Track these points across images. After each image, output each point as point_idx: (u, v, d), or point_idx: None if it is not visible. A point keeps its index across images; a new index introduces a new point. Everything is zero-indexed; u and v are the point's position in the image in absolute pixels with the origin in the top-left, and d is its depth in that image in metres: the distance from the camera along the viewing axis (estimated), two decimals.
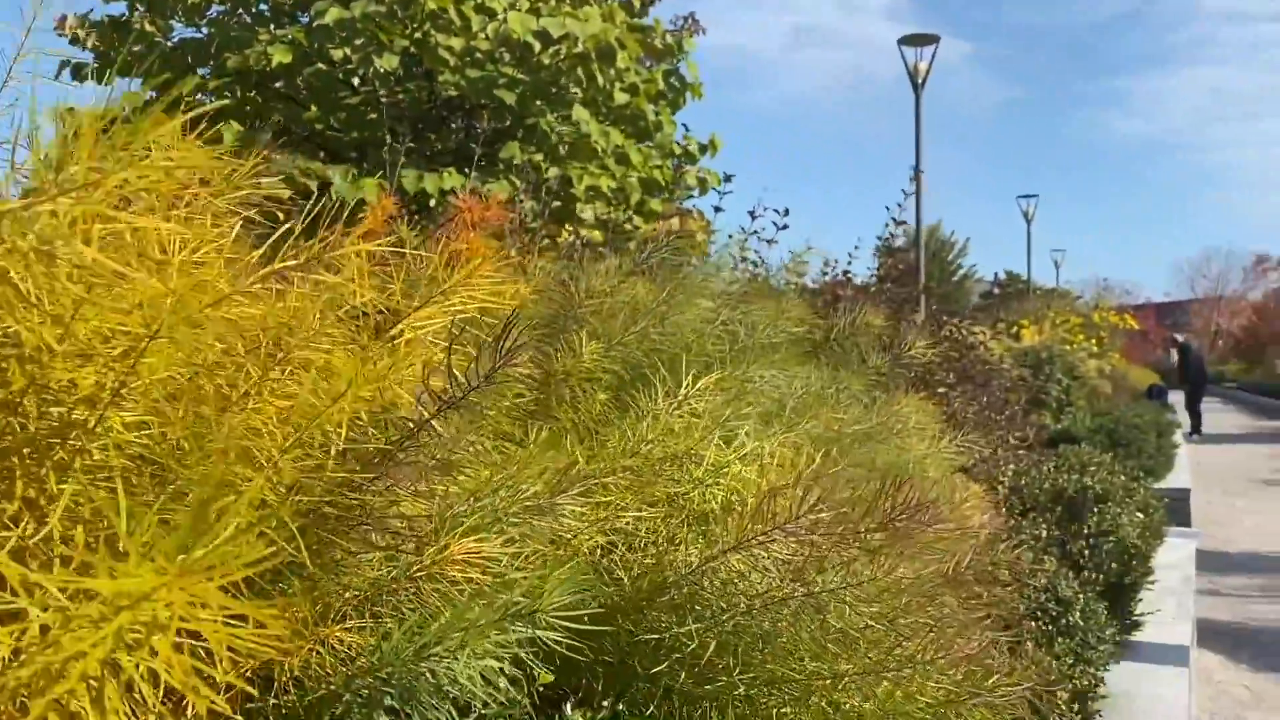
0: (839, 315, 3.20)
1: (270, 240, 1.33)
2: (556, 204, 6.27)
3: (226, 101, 6.48)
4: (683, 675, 1.42)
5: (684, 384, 2.06)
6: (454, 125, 7.21)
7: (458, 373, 1.19)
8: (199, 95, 7.02)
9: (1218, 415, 27.52)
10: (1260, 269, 61.40)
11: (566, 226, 6.92)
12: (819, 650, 1.40)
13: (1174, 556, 7.03)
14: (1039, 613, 3.58)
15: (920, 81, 17.64)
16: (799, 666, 1.43)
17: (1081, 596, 3.69)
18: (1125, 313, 29.48)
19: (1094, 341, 23.35)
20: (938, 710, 1.40)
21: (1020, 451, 7.17)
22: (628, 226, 6.94)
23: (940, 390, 4.45)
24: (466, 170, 5.98)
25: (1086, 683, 3.60)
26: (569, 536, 1.50)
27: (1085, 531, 4.58)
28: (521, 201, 6.10)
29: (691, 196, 7.66)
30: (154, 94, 7.05)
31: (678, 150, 7.54)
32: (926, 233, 51.03)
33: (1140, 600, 5.36)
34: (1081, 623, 3.51)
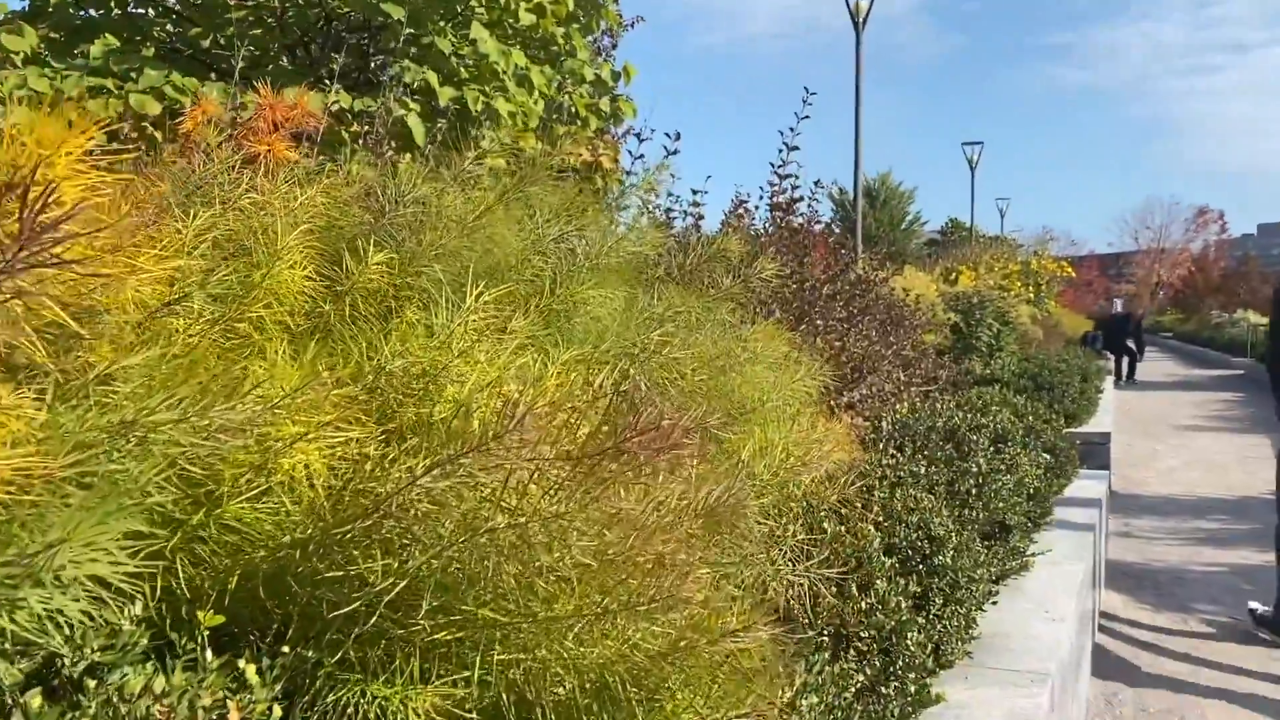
0: (696, 241, 3.00)
1: None
2: (444, 126, 5.98)
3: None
4: (376, 619, 1.23)
5: (470, 300, 1.85)
6: (352, 44, 6.87)
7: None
8: (76, 10, 6.60)
9: (1151, 364, 27.94)
10: (1200, 221, 62.25)
11: (466, 153, 6.62)
12: (528, 591, 1.22)
13: (1080, 497, 7.00)
14: (910, 551, 3.45)
15: (861, 20, 17.39)
16: (512, 609, 1.24)
17: (956, 535, 3.57)
18: (1065, 262, 29.64)
19: (1030, 288, 23.48)
20: (667, 658, 1.23)
21: (930, 391, 7.08)
22: (531, 153, 6.66)
23: (820, 323, 4.27)
24: (347, 89, 5.66)
25: (957, 624, 3.50)
26: (263, 461, 1.29)
27: (975, 470, 4.47)
28: (386, 113, 5.79)
29: (603, 126, 7.39)
30: (23, 6, 6.62)
31: (589, 76, 7.25)
32: (878, 180, 50.86)
33: (1034, 541, 5.29)
34: (951, 562, 3.39)
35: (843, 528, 2.76)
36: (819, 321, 4.19)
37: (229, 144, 2.56)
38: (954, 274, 21.51)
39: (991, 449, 5.08)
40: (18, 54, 5.42)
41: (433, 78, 5.87)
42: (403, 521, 1.18)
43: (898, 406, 4.87)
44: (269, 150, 2.47)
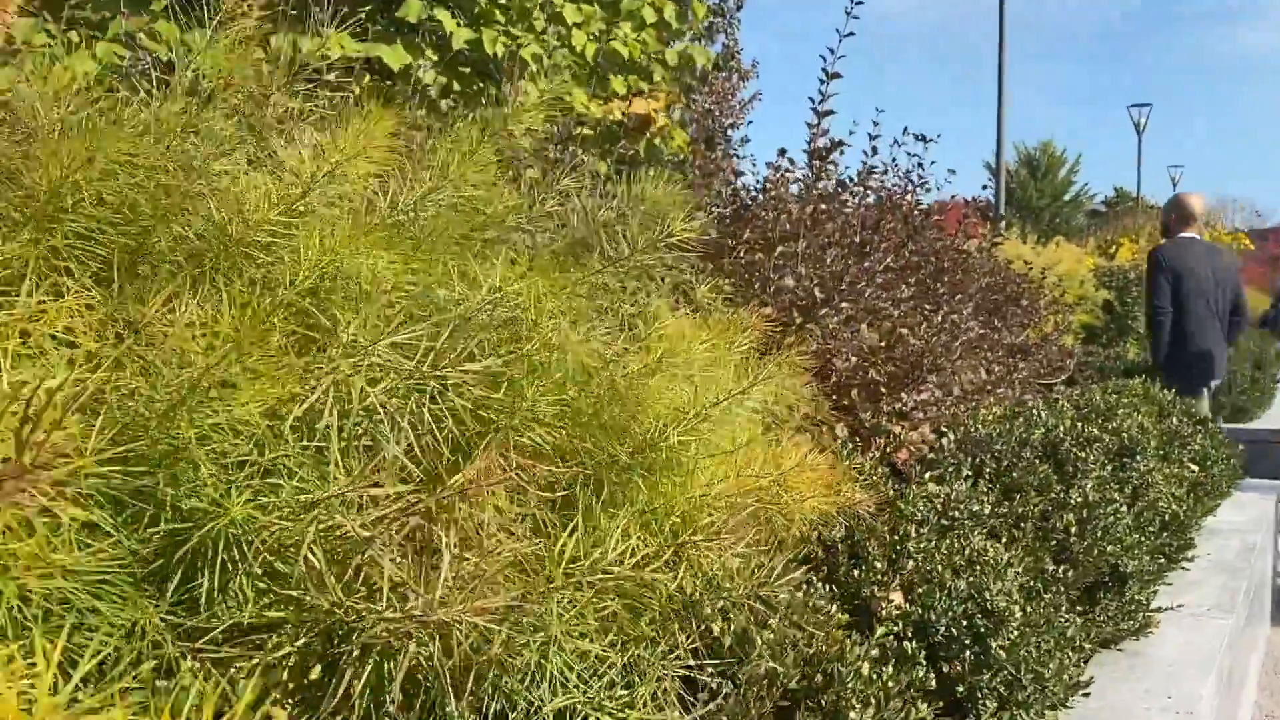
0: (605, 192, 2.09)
1: None
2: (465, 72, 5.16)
3: None
4: None
5: None
6: None
7: None
8: None
9: None
10: None
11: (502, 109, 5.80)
12: None
13: (1240, 518, 5.71)
14: (953, 631, 2.45)
15: None
16: None
17: (1026, 606, 2.54)
18: (1242, 233, 26.84)
19: None
20: None
21: (1054, 385, 5.92)
22: (578, 109, 5.78)
23: (847, 305, 3.22)
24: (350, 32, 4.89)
25: None
26: None
27: (1078, 501, 3.38)
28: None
29: (671, 76, 6.42)
30: None
31: (650, 19, 6.29)
32: (1039, 149, 48.43)
33: (1168, 583, 4.15)
34: (1008, 652, 2.37)
35: (792, 623, 1.79)
36: (844, 305, 3.14)
37: None
38: (1112, 247, 19.58)
39: (1110, 467, 3.96)
40: None
41: (445, 17, 5.05)
42: None
43: (983, 411, 3.81)
44: None
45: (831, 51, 3.81)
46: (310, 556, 1.19)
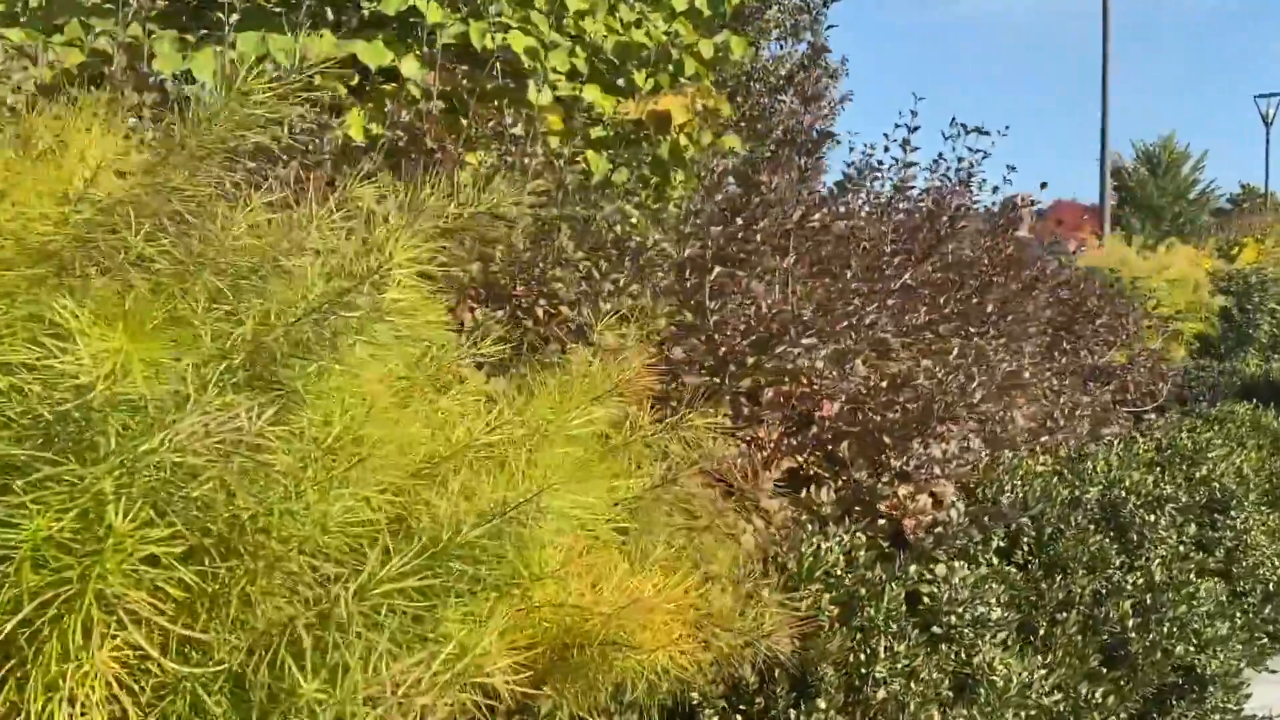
0: None
1: None
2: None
3: None
4: None
5: None
6: None
7: None
8: None
9: None
10: None
11: (513, 110, 5.27)
12: None
13: None
14: None
15: None
16: None
17: None
18: None
19: None
20: None
21: (1144, 414, 5.12)
22: (596, 107, 5.21)
23: (808, 344, 2.51)
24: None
25: None
26: None
27: (1139, 583, 2.66)
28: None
29: (704, 71, 5.77)
30: None
31: (680, 6, 5.65)
32: (1159, 145, 46.50)
33: (1270, 671, 3.37)
34: None
35: None
36: (805, 341, 2.42)
37: None
38: (1234, 248, 18.14)
39: (1192, 527, 3.21)
40: None
41: (432, 9, 4.52)
42: None
43: (1028, 461, 3.09)
44: None
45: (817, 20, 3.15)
46: None
